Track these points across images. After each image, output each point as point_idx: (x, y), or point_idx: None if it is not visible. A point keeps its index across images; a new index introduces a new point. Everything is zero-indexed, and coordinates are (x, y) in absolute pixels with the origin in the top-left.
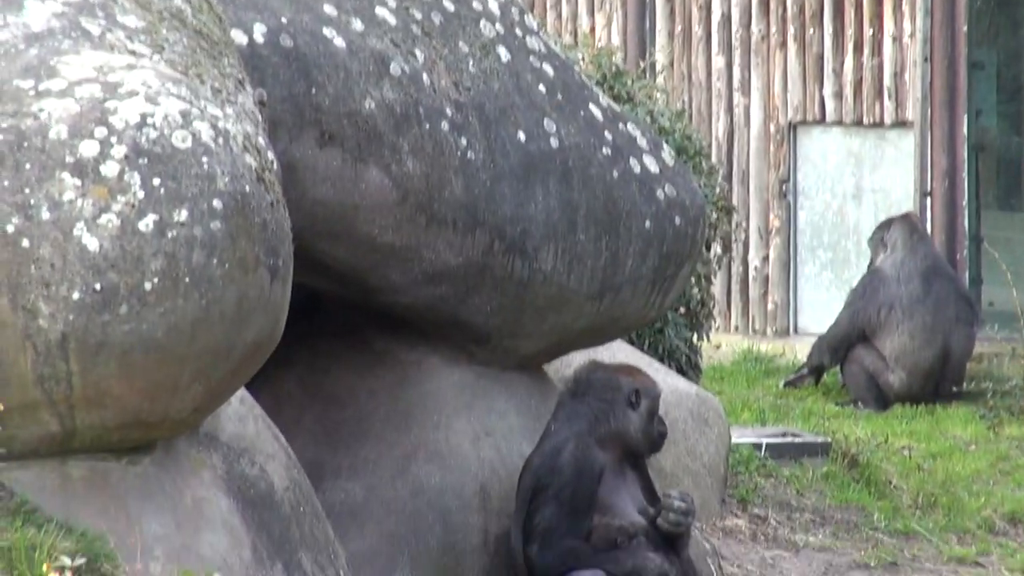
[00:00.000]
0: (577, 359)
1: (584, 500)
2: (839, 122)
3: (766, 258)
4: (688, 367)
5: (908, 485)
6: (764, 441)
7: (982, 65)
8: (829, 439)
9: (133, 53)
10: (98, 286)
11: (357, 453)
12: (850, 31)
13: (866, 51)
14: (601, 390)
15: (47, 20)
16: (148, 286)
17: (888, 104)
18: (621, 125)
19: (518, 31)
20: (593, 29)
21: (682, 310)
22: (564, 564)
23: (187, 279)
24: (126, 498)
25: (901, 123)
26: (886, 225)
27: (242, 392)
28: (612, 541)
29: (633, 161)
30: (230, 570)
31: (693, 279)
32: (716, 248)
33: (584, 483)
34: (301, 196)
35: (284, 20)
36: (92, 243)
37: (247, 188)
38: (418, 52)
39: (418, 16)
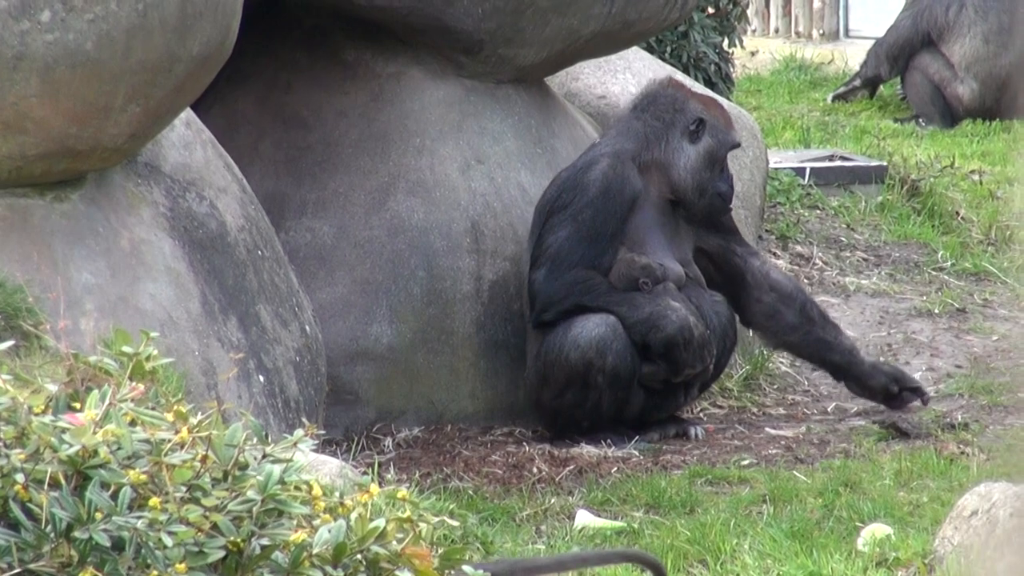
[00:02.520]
0: (586, 72)
1: (606, 225)
2: None
3: None
4: (718, 78)
5: (979, 217)
6: (808, 166)
7: None
8: (885, 163)
9: None
10: None
11: (325, 185)
12: None
13: None
14: (663, 108)
15: None
16: None
17: None
18: None
19: None
20: None
21: (710, 10)
22: (570, 296)
23: None
24: (51, 241)
25: None
26: None
27: (188, 114)
28: (634, 280)
29: None
30: (175, 325)
31: None
32: None
33: (610, 205)
34: None
35: None
36: None
37: None
38: None
39: None
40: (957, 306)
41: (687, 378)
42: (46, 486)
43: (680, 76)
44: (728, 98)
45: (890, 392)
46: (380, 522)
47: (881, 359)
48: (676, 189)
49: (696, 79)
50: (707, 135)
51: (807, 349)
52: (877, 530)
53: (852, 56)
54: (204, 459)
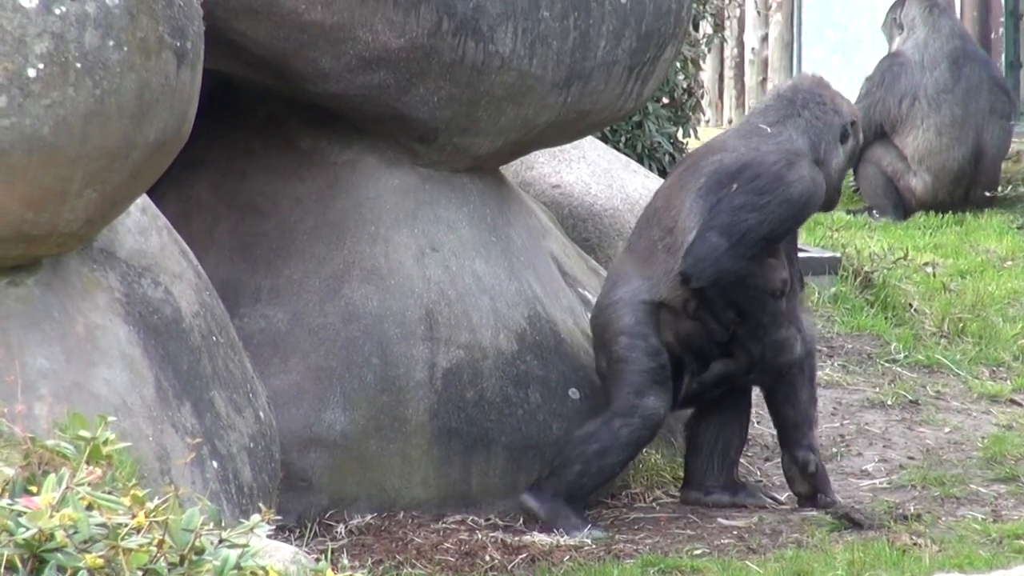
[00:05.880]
0: (541, 161)
1: (787, 230)
2: None
3: (765, 38)
4: (672, 168)
5: (932, 309)
6: None
7: None
8: (838, 254)
9: None
10: None
11: (280, 272)
12: None
13: None
14: (824, 108)
15: None
16: (32, 73)
17: None
18: None
19: None
20: None
21: (665, 101)
22: (736, 286)
23: (78, 65)
24: (6, 325)
25: None
26: (899, 3)
27: (144, 200)
28: (769, 291)
29: None
30: (129, 411)
31: (678, 64)
32: (706, 26)
33: (802, 215)
34: None
35: None
36: None
37: None
38: None
39: None
40: (910, 398)
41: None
42: (2, 570)
43: (635, 166)
44: None
45: (807, 472)
46: None
47: (833, 449)
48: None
49: (651, 169)
50: (852, 136)
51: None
52: None
53: None
54: (160, 543)
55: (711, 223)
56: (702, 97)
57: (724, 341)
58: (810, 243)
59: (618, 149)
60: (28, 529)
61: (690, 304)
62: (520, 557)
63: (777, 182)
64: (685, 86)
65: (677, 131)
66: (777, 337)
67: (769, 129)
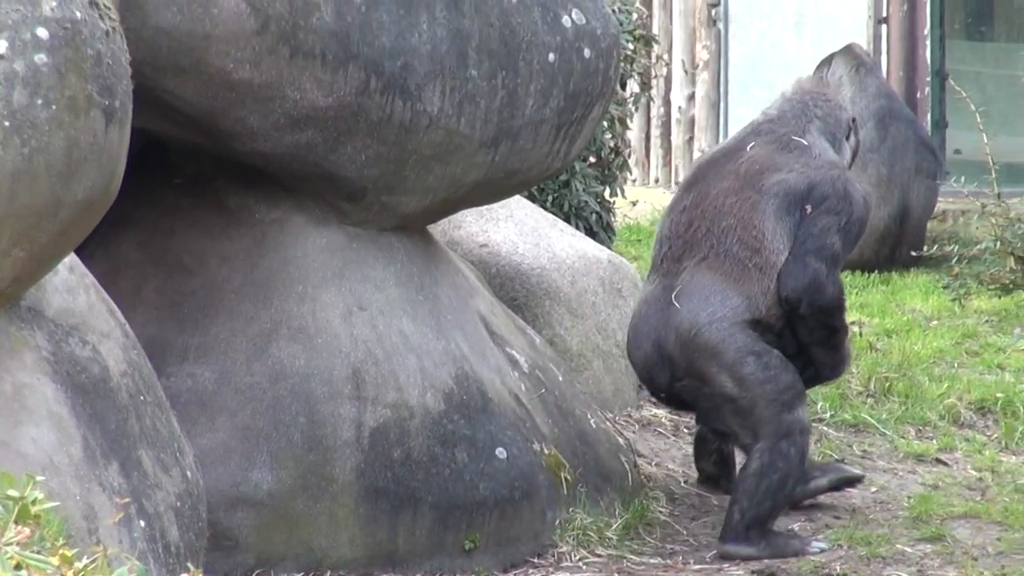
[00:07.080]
0: (468, 220)
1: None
2: None
3: (691, 97)
4: (599, 227)
5: (858, 368)
6: None
7: None
8: None
9: None
10: None
11: (207, 331)
12: None
13: None
14: (828, 105)
15: None
16: None
17: None
18: None
19: None
20: None
21: (592, 160)
22: (839, 309)
23: (6, 123)
24: None
25: None
26: (825, 62)
27: (72, 259)
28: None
29: None
30: (56, 470)
31: (605, 123)
32: (633, 85)
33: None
34: (142, 24)
35: None
36: None
37: (77, 14)
38: None
39: None
40: (836, 457)
41: None
42: None
43: (563, 226)
44: (608, 247)
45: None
46: None
47: None
48: None
49: (577, 227)
50: (854, 132)
51: None
52: None
53: None
54: None
55: (804, 247)
56: (629, 156)
57: (792, 354)
58: None
59: (545, 208)
60: None
61: (780, 321)
62: None
63: (845, 201)
64: (612, 145)
65: (604, 190)
66: (844, 352)
67: (804, 141)
